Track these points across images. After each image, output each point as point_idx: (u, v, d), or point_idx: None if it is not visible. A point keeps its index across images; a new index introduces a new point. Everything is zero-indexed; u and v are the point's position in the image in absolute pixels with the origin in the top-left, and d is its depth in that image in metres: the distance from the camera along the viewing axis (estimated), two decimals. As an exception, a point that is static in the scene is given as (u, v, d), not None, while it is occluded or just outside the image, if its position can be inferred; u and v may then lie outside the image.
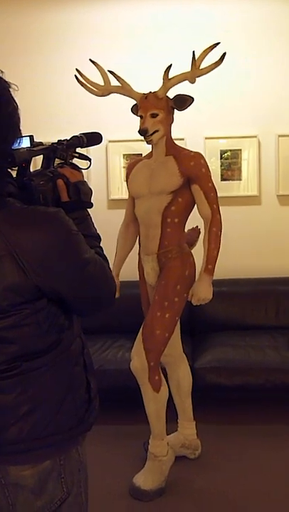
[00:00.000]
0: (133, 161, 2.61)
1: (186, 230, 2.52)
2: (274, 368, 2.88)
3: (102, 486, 2.41)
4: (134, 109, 2.42)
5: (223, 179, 3.58)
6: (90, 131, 1.44)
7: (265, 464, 2.56)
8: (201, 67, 2.29)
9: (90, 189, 1.29)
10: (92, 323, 3.38)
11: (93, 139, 1.43)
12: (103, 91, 2.45)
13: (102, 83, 2.44)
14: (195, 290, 2.36)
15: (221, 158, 3.57)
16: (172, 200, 2.35)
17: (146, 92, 2.35)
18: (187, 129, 3.51)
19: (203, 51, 2.30)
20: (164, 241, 2.38)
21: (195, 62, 2.26)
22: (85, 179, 1.32)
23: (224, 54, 2.27)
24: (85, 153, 1.39)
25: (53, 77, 3.58)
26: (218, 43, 2.28)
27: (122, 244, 2.62)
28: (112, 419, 3.01)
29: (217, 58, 2.27)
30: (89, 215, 1.27)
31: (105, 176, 3.67)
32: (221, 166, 3.57)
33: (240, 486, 2.40)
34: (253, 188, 3.60)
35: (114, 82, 2.41)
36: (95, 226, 1.28)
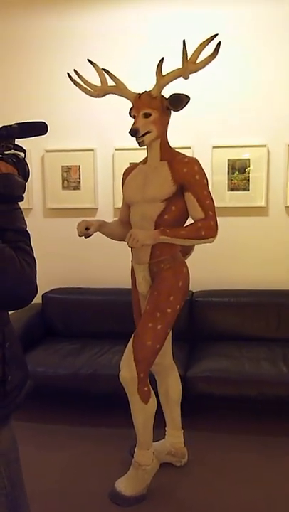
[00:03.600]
0: (130, 167, 2.55)
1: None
2: (268, 380, 2.85)
3: (85, 487, 2.46)
4: (130, 111, 2.36)
5: (230, 189, 3.57)
6: (34, 120, 1.37)
7: (251, 476, 2.54)
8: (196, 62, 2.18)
9: (18, 182, 1.24)
10: (95, 328, 3.47)
11: (34, 129, 1.35)
12: (99, 92, 2.41)
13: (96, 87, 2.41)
14: (134, 231, 2.20)
15: (229, 167, 3.55)
16: (165, 208, 2.28)
17: (140, 92, 2.28)
18: (194, 138, 3.53)
19: (200, 44, 2.16)
20: (155, 250, 2.33)
21: (186, 53, 2.12)
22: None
23: (219, 44, 2.11)
24: (20, 145, 1.33)
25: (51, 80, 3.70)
26: (217, 35, 2.12)
27: (114, 222, 2.64)
28: (106, 422, 3.06)
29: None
30: (16, 208, 1.24)
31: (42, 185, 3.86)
32: (228, 175, 3.56)
33: (223, 498, 2.37)
34: (260, 198, 3.57)
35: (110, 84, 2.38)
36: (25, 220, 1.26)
